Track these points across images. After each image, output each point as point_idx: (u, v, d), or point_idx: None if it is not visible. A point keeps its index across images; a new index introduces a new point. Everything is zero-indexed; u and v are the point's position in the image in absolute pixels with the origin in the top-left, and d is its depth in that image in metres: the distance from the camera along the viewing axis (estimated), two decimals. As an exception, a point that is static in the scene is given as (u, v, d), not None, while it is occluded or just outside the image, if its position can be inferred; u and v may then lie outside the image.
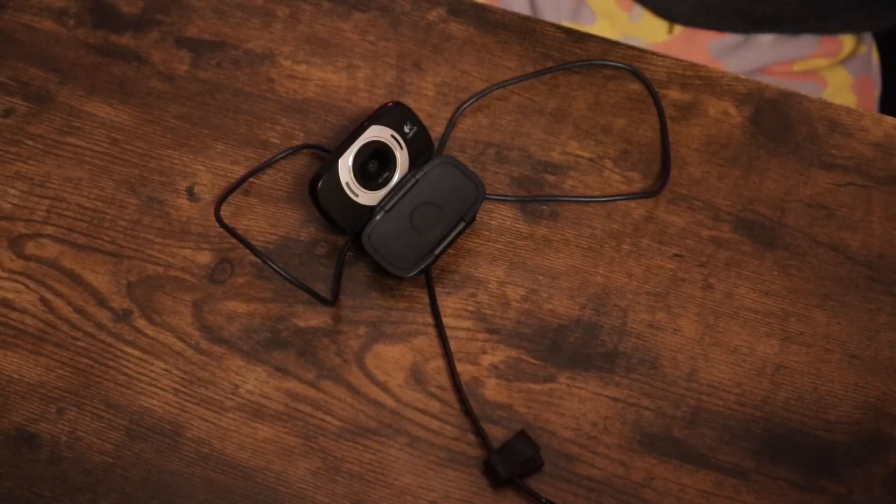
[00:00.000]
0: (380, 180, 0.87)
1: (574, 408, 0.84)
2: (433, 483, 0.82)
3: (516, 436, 0.82)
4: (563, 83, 0.94)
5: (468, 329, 0.86)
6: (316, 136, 0.93)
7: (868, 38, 1.25)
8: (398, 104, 0.87)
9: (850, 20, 1.20)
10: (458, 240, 0.89)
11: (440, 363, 0.85)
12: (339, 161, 0.85)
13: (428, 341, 0.86)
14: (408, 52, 0.95)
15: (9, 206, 0.90)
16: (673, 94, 0.94)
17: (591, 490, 0.82)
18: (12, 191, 0.91)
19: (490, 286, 0.87)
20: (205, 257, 0.89)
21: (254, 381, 0.85)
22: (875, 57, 1.26)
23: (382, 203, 0.87)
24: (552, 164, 0.91)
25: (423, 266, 0.86)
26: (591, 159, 0.92)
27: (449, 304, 0.87)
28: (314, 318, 0.87)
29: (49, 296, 0.87)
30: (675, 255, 0.89)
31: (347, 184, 0.86)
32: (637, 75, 0.94)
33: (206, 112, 0.93)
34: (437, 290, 0.87)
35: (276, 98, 0.94)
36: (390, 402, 0.84)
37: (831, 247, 0.89)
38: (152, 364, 0.85)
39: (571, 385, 0.85)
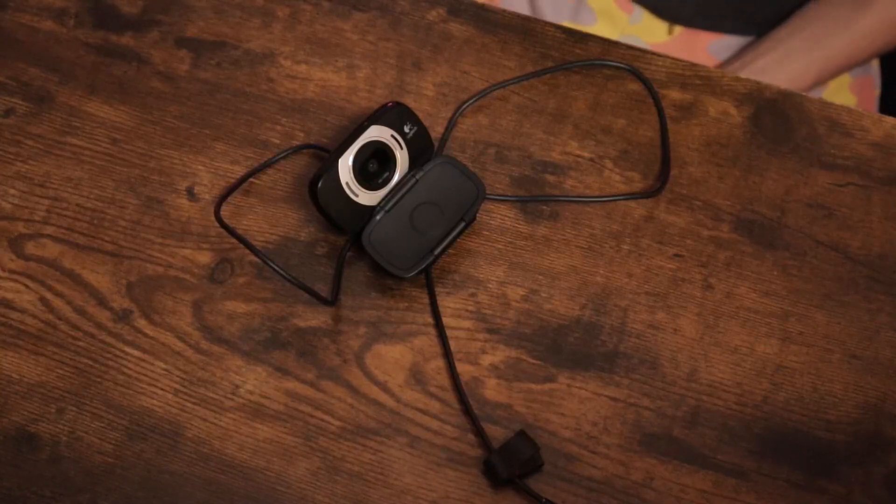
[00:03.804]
0: (380, 180, 0.87)
1: (574, 408, 0.84)
2: (433, 483, 0.82)
3: (516, 436, 0.82)
4: (563, 83, 0.94)
5: (468, 329, 0.86)
6: (316, 136, 0.93)
7: (868, 38, 1.25)
8: (398, 104, 0.87)
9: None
10: (458, 240, 0.89)
11: (440, 363, 0.85)
12: (339, 161, 0.85)
13: (428, 341, 0.86)
14: (408, 52, 0.96)
15: (9, 206, 0.90)
16: (673, 94, 0.94)
17: (591, 490, 0.82)
18: (12, 191, 0.91)
19: (490, 286, 0.87)
20: (205, 257, 0.89)
21: (254, 381, 0.85)
22: (875, 57, 1.26)
23: (382, 203, 0.87)
24: (552, 164, 0.91)
25: (423, 266, 0.86)
26: (591, 159, 0.92)
27: (449, 304, 0.87)
28: (314, 318, 0.87)
29: (49, 296, 0.87)
30: (675, 255, 0.89)
31: (347, 184, 0.86)
32: (637, 75, 0.94)
33: (206, 112, 0.93)
34: (437, 290, 0.87)
35: (276, 98, 0.94)
36: (390, 402, 0.84)
37: (831, 247, 0.89)
38: (152, 364, 0.85)
39: (571, 385, 0.85)
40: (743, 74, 1.13)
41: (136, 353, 0.86)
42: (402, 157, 0.88)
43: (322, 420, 0.84)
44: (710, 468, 0.82)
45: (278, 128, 0.93)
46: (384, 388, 0.85)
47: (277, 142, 0.92)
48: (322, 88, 0.94)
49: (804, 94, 0.94)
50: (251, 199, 0.90)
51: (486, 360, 0.85)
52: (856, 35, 1.13)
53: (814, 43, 1.13)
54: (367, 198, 0.87)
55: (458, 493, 0.82)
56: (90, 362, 0.85)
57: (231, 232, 0.86)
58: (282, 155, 0.91)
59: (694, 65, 0.95)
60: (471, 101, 0.93)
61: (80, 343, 0.86)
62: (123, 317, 0.87)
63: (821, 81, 1.15)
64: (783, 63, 1.13)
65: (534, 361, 0.85)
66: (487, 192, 0.91)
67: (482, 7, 0.97)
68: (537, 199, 0.90)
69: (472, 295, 0.87)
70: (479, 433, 0.83)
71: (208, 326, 0.86)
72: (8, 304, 0.87)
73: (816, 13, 1.15)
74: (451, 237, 0.87)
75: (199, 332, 0.86)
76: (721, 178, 0.91)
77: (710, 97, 0.94)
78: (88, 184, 0.91)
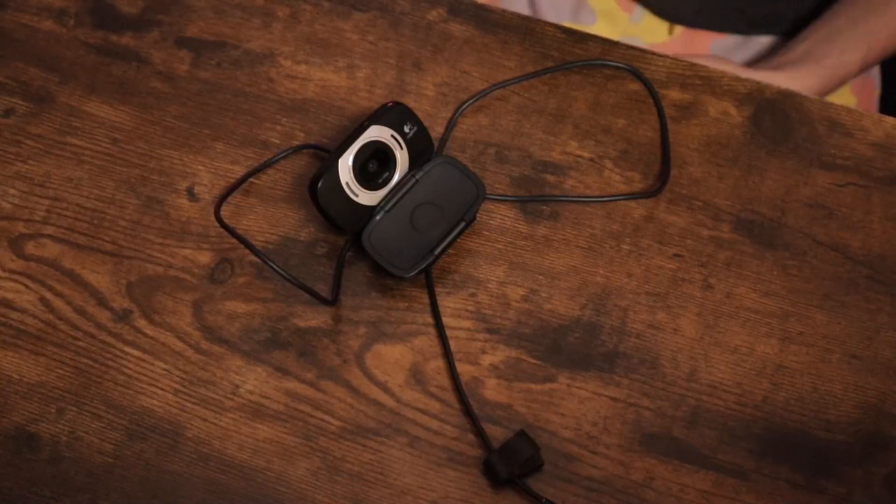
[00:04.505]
0: (380, 180, 0.87)
1: (574, 408, 0.84)
2: (433, 483, 0.82)
3: (516, 436, 0.82)
4: (563, 83, 0.94)
5: (468, 329, 0.86)
6: (316, 136, 0.93)
7: (868, 38, 1.25)
8: (398, 104, 0.87)
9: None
10: (458, 240, 0.89)
11: (440, 363, 0.85)
12: (339, 161, 0.85)
13: (428, 341, 0.86)
14: (408, 52, 0.96)
15: (9, 206, 0.90)
16: (673, 94, 0.94)
17: (591, 490, 0.82)
18: (12, 191, 0.91)
19: (490, 286, 0.87)
20: (205, 257, 0.89)
21: (254, 381, 0.85)
22: (875, 57, 1.26)
23: (382, 203, 0.87)
24: (552, 164, 0.91)
25: (423, 266, 0.86)
26: (591, 159, 0.92)
27: (449, 304, 0.87)
28: (314, 318, 0.87)
29: (49, 296, 0.87)
30: (675, 255, 0.89)
31: (347, 184, 0.86)
32: (637, 75, 0.94)
33: (206, 112, 0.93)
34: (437, 290, 0.87)
35: (276, 98, 0.94)
36: (390, 402, 0.84)
37: (831, 247, 0.89)
38: (152, 364, 0.85)
39: (571, 385, 0.85)
40: (789, 58, 1.11)
41: (136, 353, 0.86)
42: (402, 157, 0.88)
43: (322, 420, 0.84)
44: (710, 468, 0.82)
45: (278, 128, 0.93)
46: (384, 388, 0.85)
47: (277, 142, 0.92)
48: (322, 88, 0.94)
49: (805, 95, 0.94)
50: (251, 199, 0.90)
51: (486, 360, 0.85)
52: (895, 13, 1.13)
53: (857, 22, 1.12)
54: (367, 198, 0.87)
55: (458, 493, 0.82)
56: (90, 362, 0.85)
57: (231, 232, 0.86)
58: (282, 155, 0.91)
59: (694, 65, 0.95)
60: (471, 101, 0.93)
61: (80, 343, 0.86)
62: (123, 317, 0.87)
63: (868, 61, 1.14)
64: (830, 42, 1.12)
65: (534, 361, 0.85)
66: (487, 192, 0.91)
67: (482, 7, 0.97)
68: (537, 199, 0.90)
69: (472, 295, 0.87)
70: (479, 433, 0.83)
71: (208, 326, 0.86)
72: (8, 304, 0.87)
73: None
74: (451, 237, 0.87)
75: (199, 332, 0.86)
76: (721, 178, 0.91)
77: (710, 97, 0.94)
78: (88, 184, 0.91)
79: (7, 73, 0.95)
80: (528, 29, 0.96)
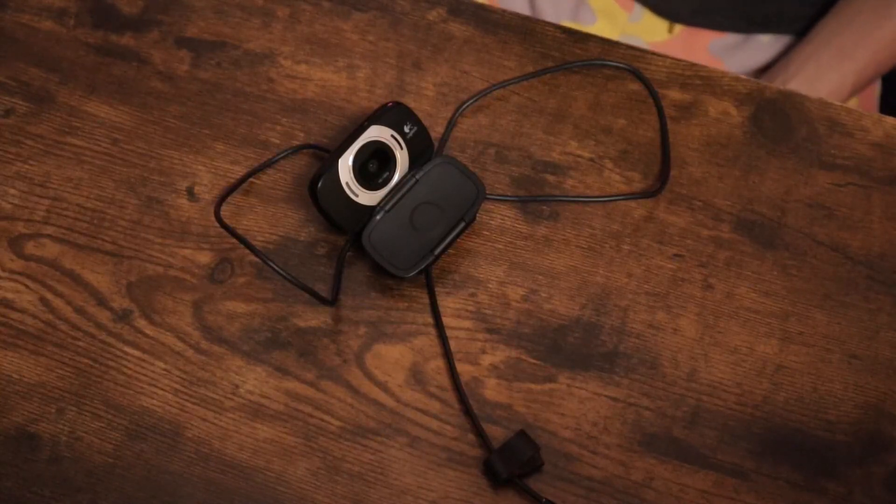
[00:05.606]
0: (380, 180, 0.87)
1: (574, 408, 0.84)
2: (433, 483, 0.82)
3: (516, 436, 0.82)
4: (563, 83, 0.94)
5: (468, 329, 0.86)
6: (316, 136, 0.93)
7: (868, 38, 1.25)
8: (398, 104, 0.87)
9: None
10: (458, 240, 0.89)
11: (440, 363, 0.85)
12: (339, 161, 0.85)
13: (428, 341, 0.86)
14: (408, 52, 0.96)
15: (9, 206, 0.90)
16: (673, 94, 0.94)
17: (591, 490, 0.82)
18: (12, 191, 0.91)
19: (490, 286, 0.87)
20: (205, 257, 0.89)
21: (254, 381, 0.85)
22: (875, 57, 1.26)
23: (382, 203, 0.87)
24: (552, 164, 0.91)
25: (423, 266, 0.86)
26: (591, 159, 0.92)
27: (449, 304, 0.87)
28: (314, 318, 0.87)
29: (49, 296, 0.87)
30: (675, 255, 0.89)
31: (347, 184, 0.86)
32: (637, 75, 0.94)
33: (206, 112, 0.93)
34: (437, 290, 0.87)
35: (276, 98, 0.94)
36: (390, 402, 0.84)
37: (831, 247, 0.89)
38: (152, 364, 0.85)
39: (571, 385, 0.85)
40: None
41: (136, 353, 0.86)
42: (402, 157, 0.88)
43: (322, 420, 0.84)
44: (710, 468, 0.82)
45: (278, 128, 0.93)
46: (384, 388, 0.85)
47: (277, 142, 0.92)
48: (322, 88, 0.94)
49: (804, 94, 0.94)
50: (251, 199, 0.90)
51: (486, 360, 0.85)
52: (881, 44, 1.13)
53: (842, 57, 1.13)
54: (367, 198, 0.87)
55: (458, 493, 0.82)
56: (90, 362, 0.85)
57: (231, 232, 0.86)
58: (282, 155, 0.91)
59: (694, 65, 0.95)
60: (471, 101, 0.93)
61: (80, 343, 0.86)
62: (123, 317, 0.87)
63: (856, 93, 1.15)
64: (817, 81, 1.13)
65: (534, 361, 0.85)
66: (487, 192, 0.91)
67: (482, 7, 0.97)
68: (537, 199, 0.90)
69: (472, 295, 0.87)
70: (479, 433, 0.83)
71: (208, 326, 0.86)
72: (8, 304, 0.87)
73: (838, 26, 1.14)
74: (451, 237, 0.87)
75: (199, 332, 0.86)
76: (721, 178, 0.91)
77: (710, 97, 0.94)
78: (88, 184, 0.91)
79: (7, 73, 0.95)
80: (528, 29, 0.96)
